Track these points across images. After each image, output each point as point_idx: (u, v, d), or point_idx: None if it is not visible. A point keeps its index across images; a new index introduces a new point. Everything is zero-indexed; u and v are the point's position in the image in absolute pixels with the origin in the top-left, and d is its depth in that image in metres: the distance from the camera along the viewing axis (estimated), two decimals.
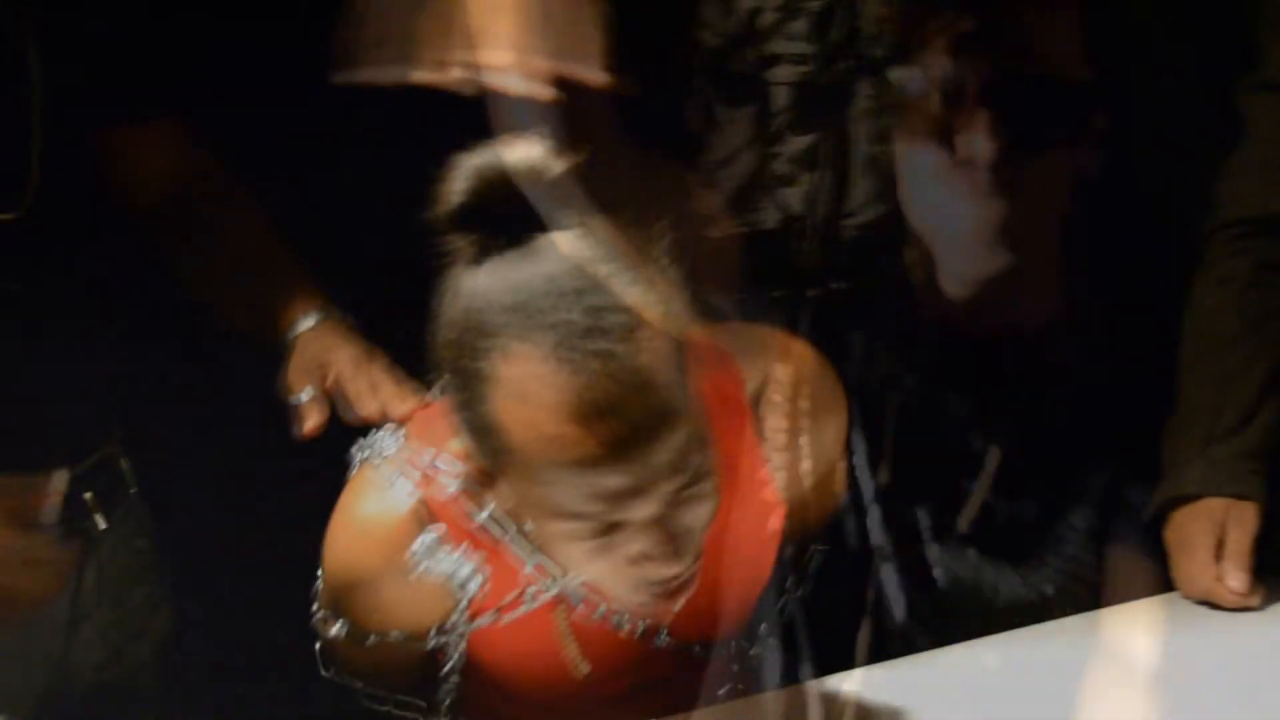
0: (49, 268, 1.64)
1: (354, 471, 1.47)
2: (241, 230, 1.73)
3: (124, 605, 1.75)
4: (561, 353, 1.23)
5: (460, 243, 1.28)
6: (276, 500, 1.83)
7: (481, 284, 1.27)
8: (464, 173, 1.27)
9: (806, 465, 1.53)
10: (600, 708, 1.54)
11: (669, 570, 1.32)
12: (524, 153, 1.28)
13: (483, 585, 1.44)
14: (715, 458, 1.33)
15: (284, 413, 1.63)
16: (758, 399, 1.50)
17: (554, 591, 1.45)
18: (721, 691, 1.59)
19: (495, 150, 1.27)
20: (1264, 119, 1.79)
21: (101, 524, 1.70)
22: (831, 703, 1.52)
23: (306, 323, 1.68)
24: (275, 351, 1.67)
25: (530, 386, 1.24)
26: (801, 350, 1.54)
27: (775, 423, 1.50)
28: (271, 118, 1.86)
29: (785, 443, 1.50)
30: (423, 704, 1.52)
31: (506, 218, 1.27)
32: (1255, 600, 1.64)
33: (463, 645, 1.47)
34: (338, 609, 1.46)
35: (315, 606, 1.49)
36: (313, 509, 1.47)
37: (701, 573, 1.45)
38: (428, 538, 1.43)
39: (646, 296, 1.27)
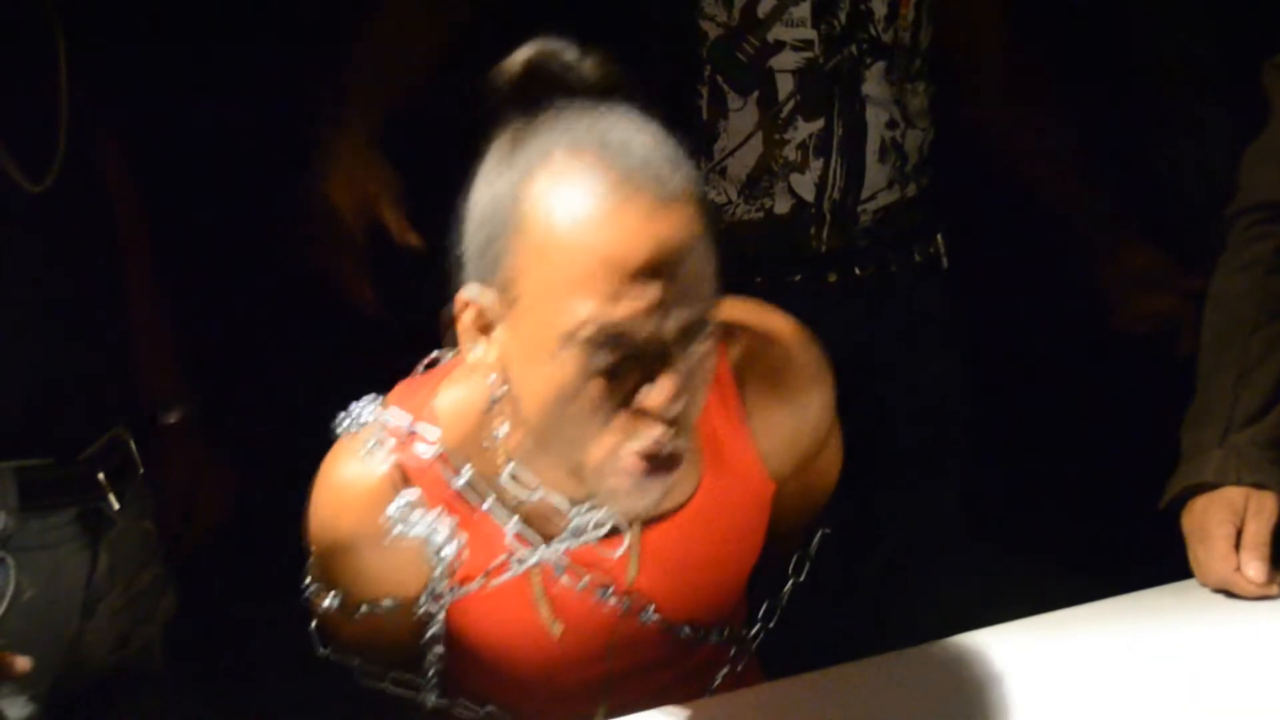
0: (67, 244, 1.67)
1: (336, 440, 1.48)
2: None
3: (134, 588, 1.77)
4: (609, 154, 1.27)
5: (511, 112, 1.31)
6: (275, 483, 1.86)
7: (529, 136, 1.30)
8: (529, 47, 1.32)
9: (791, 441, 1.51)
10: (589, 691, 1.53)
11: (658, 429, 1.29)
12: (590, 57, 1.33)
13: (460, 551, 1.44)
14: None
15: (282, 399, 1.67)
16: (739, 370, 1.47)
17: (536, 559, 1.45)
18: (718, 678, 1.58)
19: (563, 43, 1.33)
20: None
21: (115, 504, 1.72)
22: (837, 693, 1.51)
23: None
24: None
25: (571, 169, 1.26)
26: (781, 320, 1.51)
27: (755, 397, 1.48)
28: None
29: (767, 417, 1.48)
30: (419, 680, 1.53)
31: (564, 87, 1.31)
32: (1274, 589, 1.62)
33: (443, 613, 1.47)
34: (326, 580, 1.47)
35: (306, 580, 1.50)
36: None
37: (683, 545, 1.46)
38: (403, 500, 1.43)
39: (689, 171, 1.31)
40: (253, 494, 1.93)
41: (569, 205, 1.26)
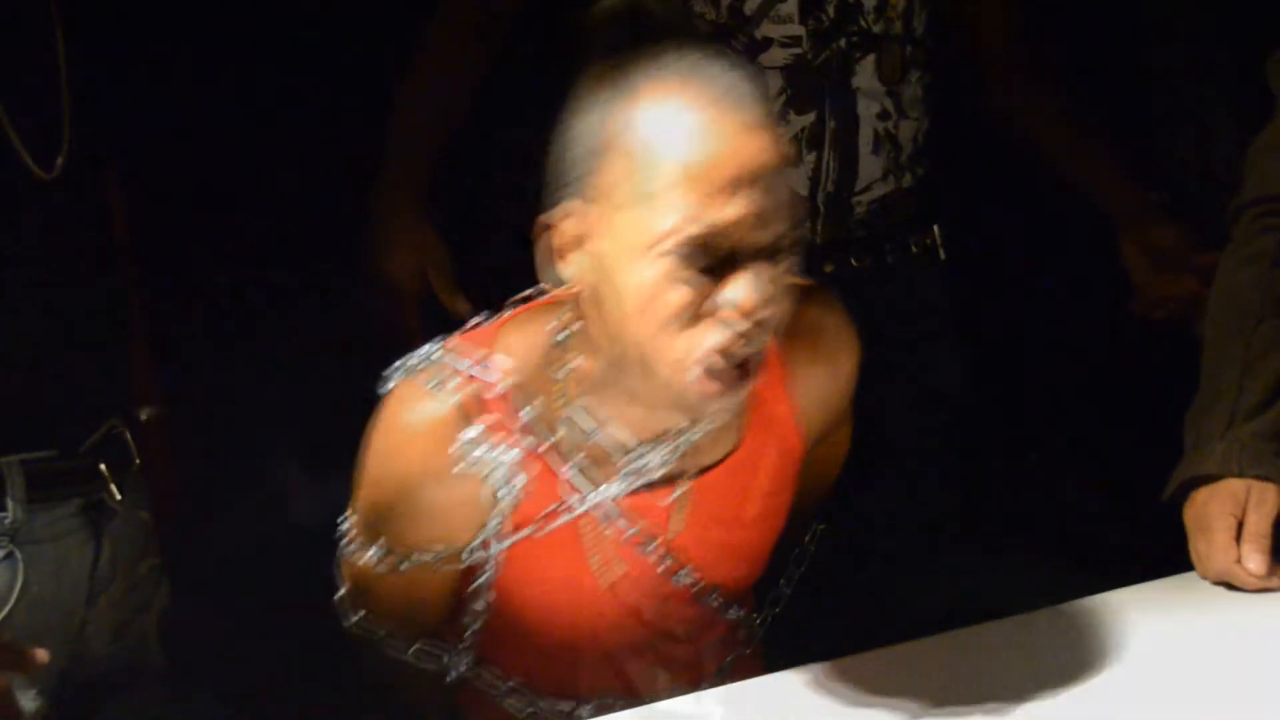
0: (74, 233, 1.68)
1: (391, 385, 1.48)
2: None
3: (132, 578, 1.77)
4: (700, 81, 1.35)
5: (604, 48, 1.39)
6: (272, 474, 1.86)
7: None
8: None
9: (824, 401, 1.57)
10: (616, 660, 1.55)
11: (742, 327, 1.35)
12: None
13: (524, 487, 1.46)
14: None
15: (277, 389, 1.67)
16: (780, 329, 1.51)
17: (590, 504, 1.47)
18: (727, 662, 1.61)
19: None
20: None
21: (117, 495, 1.72)
22: (838, 686, 1.51)
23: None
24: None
25: (666, 92, 1.35)
26: (815, 285, 1.56)
27: (795, 355, 1.53)
28: None
29: (806, 376, 1.55)
30: (445, 649, 1.54)
31: (655, 28, 1.41)
32: (1274, 582, 1.62)
33: (495, 560, 1.48)
34: (375, 530, 1.48)
35: (347, 538, 1.50)
36: (303, 485, 1.48)
37: (725, 498, 1.51)
38: (473, 431, 1.44)
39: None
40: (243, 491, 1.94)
41: (664, 123, 1.34)
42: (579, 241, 1.39)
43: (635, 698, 1.55)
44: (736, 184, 1.33)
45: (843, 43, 1.91)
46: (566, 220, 1.39)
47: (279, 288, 2.16)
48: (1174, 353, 1.87)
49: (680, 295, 1.35)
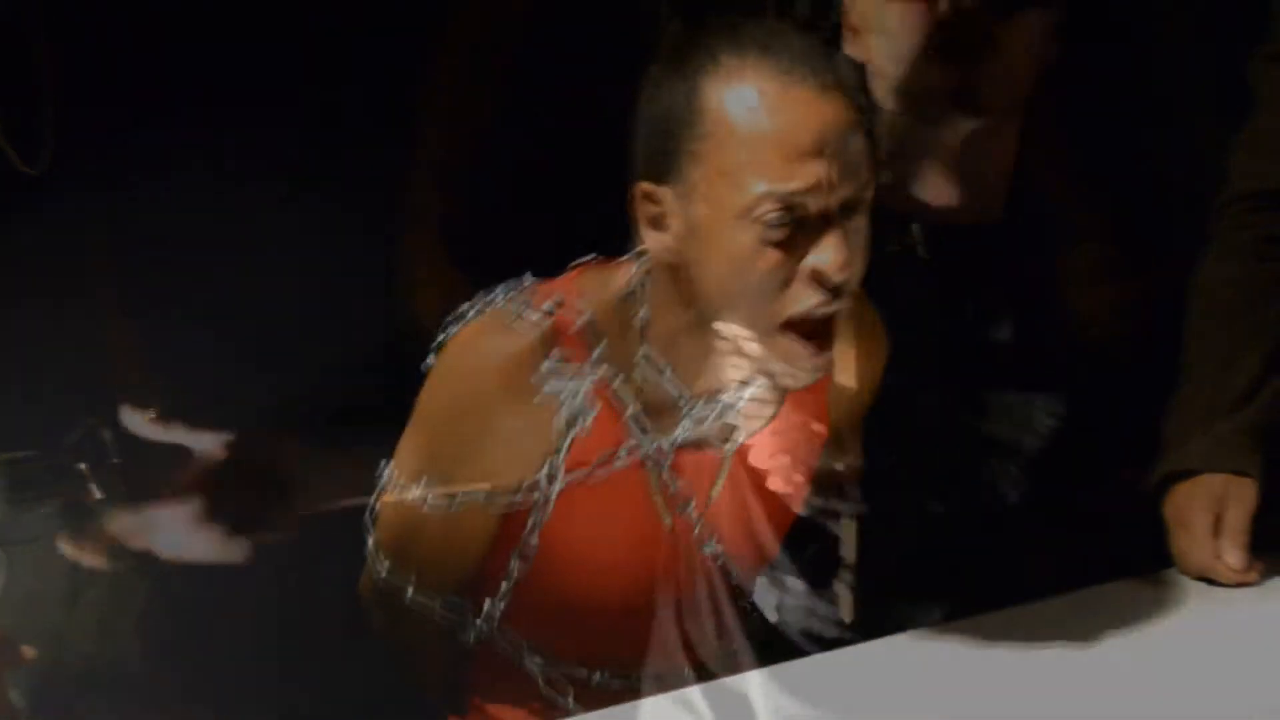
0: (58, 229, 1.67)
1: (461, 326, 1.50)
2: None
3: (113, 578, 1.77)
4: (772, 53, 1.40)
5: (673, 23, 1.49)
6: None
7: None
8: None
9: (854, 389, 1.61)
10: (631, 629, 1.55)
11: (824, 295, 1.40)
12: None
13: (591, 422, 1.48)
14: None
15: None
16: None
17: (645, 450, 1.50)
18: (732, 646, 1.61)
19: None
20: (1275, 92, 1.77)
21: (97, 494, 1.72)
22: (826, 681, 1.52)
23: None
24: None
25: (740, 67, 1.40)
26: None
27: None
28: None
29: (843, 360, 1.57)
30: (470, 606, 1.55)
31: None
32: (1253, 577, 1.64)
33: (552, 498, 1.49)
34: (431, 464, 1.49)
35: (391, 478, 1.51)
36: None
37: (755, 471, 1.54)
38: (553, 361, 1.47)
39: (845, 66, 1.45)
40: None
41: (741, 98, 1.40)
42: (657, 221, 1.44)
43: (647, 666, 1.56)
44: (818, 147, 1.38)
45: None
46: (645, 201, 1.44)
47: (271, 285, 2.16)
48: (1155, 349, 1.88)
49: (768, 261, 1.39)
